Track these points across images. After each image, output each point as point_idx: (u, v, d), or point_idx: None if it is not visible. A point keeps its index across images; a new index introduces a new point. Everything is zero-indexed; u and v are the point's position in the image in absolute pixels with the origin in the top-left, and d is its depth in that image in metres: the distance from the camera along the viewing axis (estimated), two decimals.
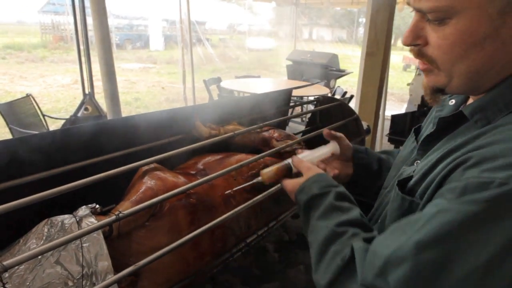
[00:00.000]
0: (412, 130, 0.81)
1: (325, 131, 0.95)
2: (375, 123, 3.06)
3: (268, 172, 0.87)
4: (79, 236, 0.74)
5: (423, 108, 3.06)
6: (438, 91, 0.61)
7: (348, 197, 0.73)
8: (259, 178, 0.89)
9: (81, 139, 0.97)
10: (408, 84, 4.83)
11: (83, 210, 0.86)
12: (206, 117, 1.22)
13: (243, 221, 1.12)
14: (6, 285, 0.74)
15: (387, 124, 3.66)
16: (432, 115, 0.76)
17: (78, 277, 0.79)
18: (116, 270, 0.81)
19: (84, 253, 0.81)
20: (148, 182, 0.92)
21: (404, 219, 0.54)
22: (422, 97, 3.11)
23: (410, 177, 0.64)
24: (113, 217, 0.78)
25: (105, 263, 0.82)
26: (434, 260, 0.44)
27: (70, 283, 0.79)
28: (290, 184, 0.81)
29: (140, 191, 0.90)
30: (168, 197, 0.85)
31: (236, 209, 0.91)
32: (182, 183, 0.98)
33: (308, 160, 0.88)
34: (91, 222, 0.83)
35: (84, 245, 0.82)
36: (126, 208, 0.86)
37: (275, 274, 1.44)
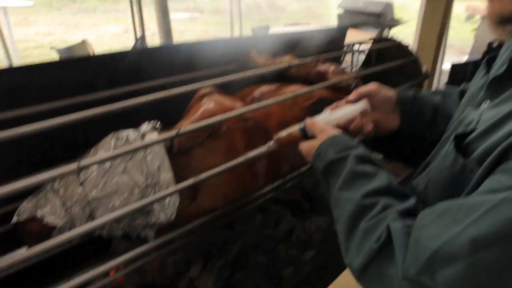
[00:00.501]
0: (484, 59, 0.67)
1: (350, 96, 0.80)
2: (432, 75, 2.88)
3: (280, 136, 0.79)
4: (144, 146, 0.79)
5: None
6: (505, 21, 0.53)
7: (371, 158, 0.62)
8: (271, 143, 0.81)
9: (150, 61, 1.00)
10: (473, 30, 4.41)
11: (146, 126, 0.90)
12: (262, 48, 1.21)
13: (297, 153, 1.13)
14: (83, 185, 0.80)
15: (444, 78, 3.41)
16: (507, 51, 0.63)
17: (143, 186, 0.85)
18: (177, 181, 0.87)
19: (148, 165, 0.86)
20: (206, 104, 0.95)
21: (457, 200, 0.43)
22: (489, 44, 2.84)
23: (472, 131, 0.52)
24: (174, 132, 0.81)
25: (167, 174, 0.87)
26: (494, 263, 0.36)
27: (136, 191, 0.85)
28: (306, 147, 0.72)
29: (199, 111, 0.93)
30: (225, 118, 0.88)
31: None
32: (239, 107, 0.98)
33: (327, 121, 0.77)
34: (154, 136, 0.87)
35: (148, 157, 0.86)
36: (186, 124, 0.89)
37: (325, 207, 1.48)
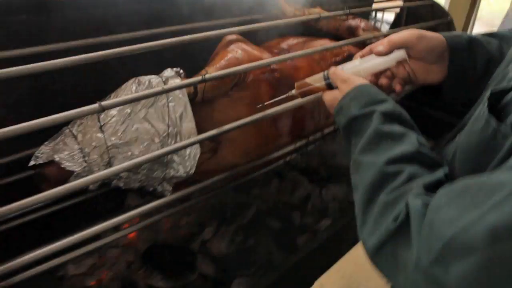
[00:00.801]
0: None
1: (379, 46, 0.70)
2: None
3: (303, 83, 0.75)
4: (167, 91, 0.76)
5: None
6: None
7: (400, 115, 0.56)
8: (293, 91, 0.78)
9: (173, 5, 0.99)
10: None
11: (168, 72, 0.88)
12: None
13: (324, 108, 1.12)
14: (102, 130, 0.79)
15: None
16: None
17: (164, 135, 0.84)
18: (199, 133, 0.86)
19: (170, 113, 0.85)
20: (233, 51, 0.93)
21: (480, 177, 0.37)
22: None
23: (510, 89, 0.45)
24: (199, 78, 0.79)
25: (189, 124, 0.86)
26: None
27: (157, 139, 0.84)
28: (329, 98, 0.67)
29: (225, 58, 0.91)
30: (252, 67, 0.85)
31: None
32: (267, 57, 0.97)
33: (355, 71, 0.70)
34: (177, 82, 0.85)
35: (170, 104, 0.85)
36: (212, 71, 0.88)
37: (343, 176, 1.48)
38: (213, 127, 0.83)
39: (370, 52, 0.71)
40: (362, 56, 0.72)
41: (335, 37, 1.30)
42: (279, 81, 1.00)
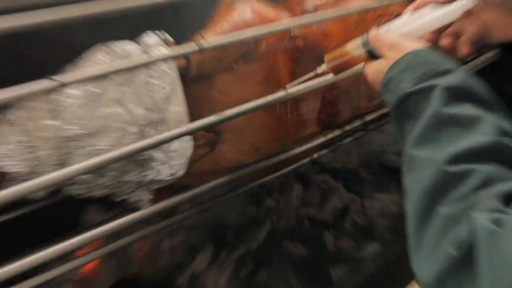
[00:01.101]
0: None
1: None
2: None
3: (335, 55, 0.76)
4: (148, 63, 0.79)
5: None
6: None
7: (472, 91, 0.57)
8: (322, 66, 0.79)
9: None
10: None
11: (150, 37, 0.89)
12: None
13: (365, 86, 1.14)
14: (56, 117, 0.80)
15: None
16: None
17: (143, 123, 0.84)
18: (192, 120, 0.87)
19: (152, 93, 0.85)
20: (239, 11, 0.95)
21: None
22: None
23: None
24: (193, 45, 0.80)
25: (178, 108, 0.86)
26: None
27: (133, 129, 0.84)
28: (372, 70, 0.70)
29: (229, 20, 0.93)
30: (266, 33, 0.86)
31: None
32: (286, 19, 0.99)
33: (404, 31, 0.71)
34: (162, 50, 0.85)
35: (152, 81, 0.85)
36: (210, 37, 0.88)
37: (396, 182, 1.49)
38: (211, 113, 0.84)
39: (424, 3, 0.71)
40: (414, 10, 0.73)
41: None
42: (303, 52, 1.01)
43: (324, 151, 1.17)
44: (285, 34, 0.99)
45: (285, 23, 0.89)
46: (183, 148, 0.89)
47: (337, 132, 1.14)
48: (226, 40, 0.83)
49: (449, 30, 0.72)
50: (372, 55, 0.71)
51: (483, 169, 0.47)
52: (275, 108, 0.92)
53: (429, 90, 0.56)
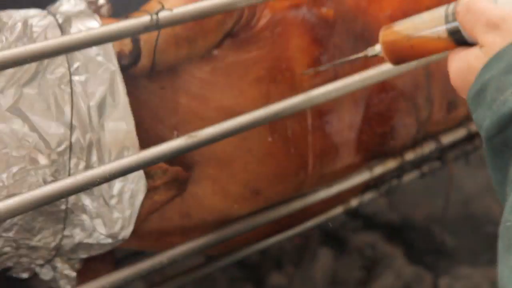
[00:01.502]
0: None
1: None
2: None
3: (395, 31, 0.76)
4: (69, 49, 0.75)
5: None
6: None
7: None
8: (375, 48, 0.79)
9: None
10: None
11: (70, 2, 0.89)
12: None
13: (441, 86, 1.11)
14: None
15: None
16: None
17: (60, 148, 0.83)
18: (143, 144, 0.85)
19: (75, 98, 0.84)
20: None
21: None
22: None
23: None
24: (146, 17, 0.77)
25: (121, 124, 0.85)
26: None
27: (44, 160, 0.83)
28: (458, 65, 0.69)
29: None
30: None
31: None
32: None
33: None
34: (91, 26, 0.85)
35: (75, 78, 0.84)
36: (173, 4, 0.84)
37: (488, 252, 1.49)
38: (178, 131, 0.86)
39: None
40: None
41: None
42: (334, 28, 0.99)
43: (369, 196, 1.17)
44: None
45: None
46: (131, 192, 0.87)
47: (391, 164, 1.12)
48: (201, 8, 0.81)
49: None
50: (461, 39, 0.69)
51: None
52: (285, 125, 0.90)
53: None
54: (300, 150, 1.02)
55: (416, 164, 1.16)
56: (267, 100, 0.87)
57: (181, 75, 0.93)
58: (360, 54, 0.80)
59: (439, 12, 0.71)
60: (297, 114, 0.93)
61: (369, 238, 1.54)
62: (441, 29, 0.69)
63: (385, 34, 0.76)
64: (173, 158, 0.84)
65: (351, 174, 1.10)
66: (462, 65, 0.67)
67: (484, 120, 0.59)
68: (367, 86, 0.92)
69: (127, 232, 0.87)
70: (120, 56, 0.85)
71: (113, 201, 0.86)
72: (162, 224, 0.97)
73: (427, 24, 0.72)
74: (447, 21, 0.69)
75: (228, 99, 0.93)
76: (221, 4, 0.82)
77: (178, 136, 0.84)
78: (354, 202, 1.18)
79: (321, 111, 1.00)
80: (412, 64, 0.79)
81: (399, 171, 1.15)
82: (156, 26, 0.78)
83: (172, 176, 0.93)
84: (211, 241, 0.96)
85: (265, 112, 0.85)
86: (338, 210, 1.16)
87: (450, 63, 0.70)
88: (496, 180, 0.60)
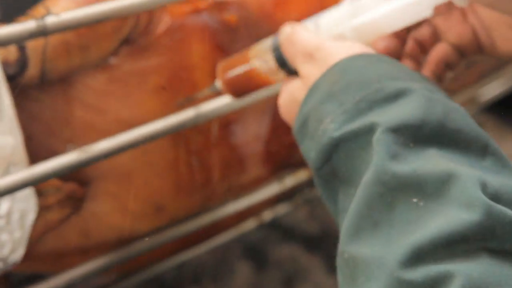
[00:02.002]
0: None
1: None
2: None
3: (230, 63, 0.80)
4: None
5: None
6: None
7: (443, 123, 0.56)
8: (216, 84, 0.83)
9: None
10: None
11: None
12: None
13: None
14: None
15: None
16: None
17: None
18: (35, 159, 0.83)
19: None
20: None
21: None
22: None
23: None
24: (31, 22, 0.76)
25: (6, 138, 0.82)
26: None
27: None
28: (284, 98, 0.73)
29: None
30: None
31: None
32: None
33: (341, 32, 0.71)
34: None
35: None
36: (62, 8, 0.83)
37: None
38: (71, 143, 0.85)
39: None
40: None
41: None
42: (237, 33, 0.99)
43: (283, 207, 1.18)
44: (204, 0, 0.97)
45: None
46: (20, 212, 0.85)
47: (302, 175, 1.13)
48: (93, 13, 0.79)
49: (422, 30, 0.75)
50: (289, 69, 0.71)
51: (464, 271, 0.45)
52: (188, 136, 0.91)
53: (368, 132, 0.56)
54: (205, 163, 1.02)
55: None
56: (168, 110, 0.86)
57: (74, 85, 0.91)
58: (205, 91, 0.85)
59: (268, 42, 0.74)
60: (201, 125, 0.93)
61: (289, 250, 1.55)
62: (270, 60, 0.72)
63: (222, 67, 0.78)
64: (66, 174, 0.82)
65: (260, 186, 1.11)
66: (288, 97, 0.71)
67: (310, 152, 0.62)
68: (271, 97, 0.92)
69: (17, 255, 0.85)
70: (5, 64, 0.82)
71: (0, 222, 0.83)
72: (58, 244, 0.94)
73: (258, 55, 0.74)
74: (274, 51, 0.72)
75: (126, 110, 0.92)
76: (114, 9, 0.80)
77: (71, 150, 0.81)
78: (268, 215, 1.18)
79: (226, 121, 0.99)
80: (255, 97, 0.84)
81: (312, 182, 1.15)
82: (42, 32, 0.76)
83: (66, 193, 0.91)
84: (113, 260, 0.94)
85: (165, 124, 0.84)
86: (251, 223, 1.17)
87: (279, 97, 0.73)
88: (332, 211, 0.62)
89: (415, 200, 0.50)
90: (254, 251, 1.52)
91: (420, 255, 0.46)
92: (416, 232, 0.48)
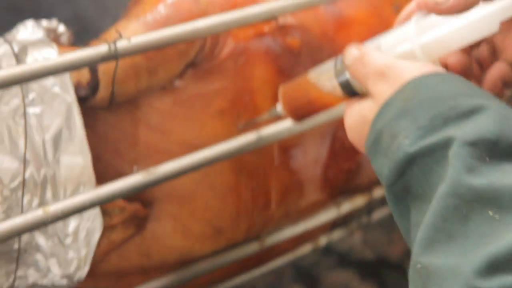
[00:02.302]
0: None
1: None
2: None
3: (292, 88, 0.80)
4: (25, 80, 0.74)
5: None
6: None
7: None
8: (277, 109, 0.84)
9: None
10: None
11: (28, 30, 0.88)
12: None
13: None
14: None
15: None
16: None
17: (13, 184, 0.82)
18: (101, 179, 0.84)
19: (30, 131, 0.83)
20: None
21: None
22: None
23: None
24: (104, 46, 0.77)
25: (77, 159, 0.84)
26: None
27: None
28: (351, 118, 0.72)
29: (165, 2, 0.90)
30: (234, 22, 0.86)
31: None
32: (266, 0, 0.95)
33: (406, 51, 0.72)
34: (47, 55, 0.84)
35: (31, 111, 0.83)
36: (132, 32, 0.85)
37: None
38: (137, 165, 0.85)
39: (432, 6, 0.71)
40: (422, 8, 0.72)
41: None
42: (300, 57, 0.99)
43: (338, 233, 1.18)
44: (267, 24, 0.97)
45: (268, 5, 0.89)
46: (86, 230, 0.86)
47: (359, 201, 1.12)
48: (162, 37, 0.81)
49: (481, 48, 0.75)
50: (353, 91, 0.71)
51: None
52: (249, 160, 0.90)
53: (444, 146, 0.56)
54: (264, 187, 1.02)
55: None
56: (230, 133, 0.87)
57: (141, 106, 0.93)
58: (266, 115, 0.85)
59: (329, 65, 0.73)
60: (261, 148, 0.93)
61: (343, 276, 1.53)
62: (334, 83, 0.72)
63: (284, 91, 0.79)
64: (132, 195, 0.83)
65: (318, 211, 1.10)
66: (357, 118, 0.70)
67: (382, 168, 0.61)
68: (332, 120, 0.93)
69: (82, 273, 0.86)
70: (77, 87, 0.84)
71: (68, 240, 0.85)
72: (120, 264, 0.95)
73: (321, 78, 0.74)
74: (337, 75, 0.71)
75: (189, 133, 0.93)
76: (182, 33, 0.82)
77: (137, 171, 0.83)
78: (323, 240, 1.17)
79: (285, 146, 1.00)
80: (317, 120, 0.84)
81: (368, 208, 1.15)
82: (114, 55, 0.77)
83: (130, 214, 0.92)
84: (172, 281, 0.95)
85: (228, 147, 0.85)
86: (307, 248, 1.16)
87: (346, 119, 0.73)
88: (402, 228, 0.61)
89: (491, 213, 0.50)
90: (307, 276, 1.50)
91: (496, 265, 0.46)
92: (492, 244, 0.48)
